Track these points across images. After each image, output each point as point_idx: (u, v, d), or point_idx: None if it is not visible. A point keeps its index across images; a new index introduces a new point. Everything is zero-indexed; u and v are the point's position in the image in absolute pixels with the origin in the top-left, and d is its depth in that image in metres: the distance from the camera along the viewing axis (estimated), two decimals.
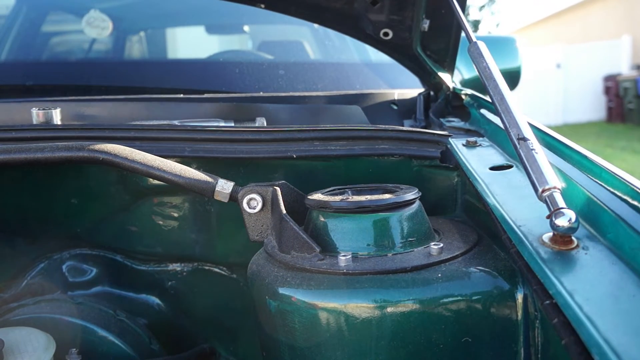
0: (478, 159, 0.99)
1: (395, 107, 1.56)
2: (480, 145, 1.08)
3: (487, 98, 1.24)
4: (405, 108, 1.56)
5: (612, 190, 0.74)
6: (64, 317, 1.06)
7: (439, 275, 0.74)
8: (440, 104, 1.51)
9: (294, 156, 1.06)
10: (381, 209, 0.82)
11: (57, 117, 1.16)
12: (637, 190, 0.70)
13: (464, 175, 0.99)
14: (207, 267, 1.27)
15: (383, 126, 1.12)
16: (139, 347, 1.10)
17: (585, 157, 0.85)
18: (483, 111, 1.27)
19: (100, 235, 1.24)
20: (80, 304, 1.12)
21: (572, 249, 0.66)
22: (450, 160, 1.06)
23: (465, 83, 2.38)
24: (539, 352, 0.72)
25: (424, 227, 0.85)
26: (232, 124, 1.34)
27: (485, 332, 0.74)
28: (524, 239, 0.70)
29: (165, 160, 0.95)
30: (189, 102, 1.40)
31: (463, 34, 1.19)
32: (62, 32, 2.47)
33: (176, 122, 1.27)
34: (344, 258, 0.77)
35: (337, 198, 0.85)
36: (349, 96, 1.56)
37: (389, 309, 0.71)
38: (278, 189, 0.91)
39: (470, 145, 1.07)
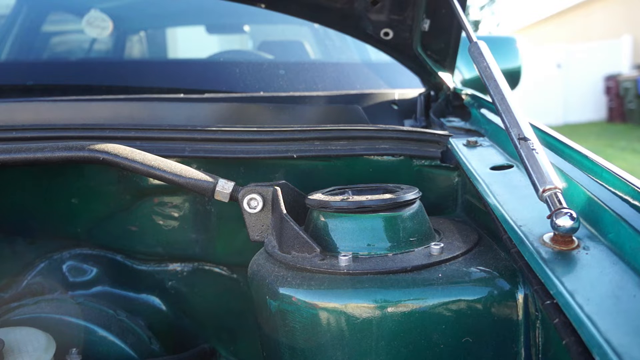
0: (479, 159, 0.99)
1: (395, 107, 1.56)
2: (480, 145, 1.08)
3: (488, 98, 1.24)
4: (406, 108, 1.56)
5: (613, 190, 0.74)
6: (64, 317, 1.06)
7: (440, 275, 0.74)
8: (441, 103, 1.51)
9: (295, 156, 1.06)
10: (382, 208, 0.81)
11: None
12: (638, 190, 0.70)
13: (465, 175, 0.99)
14: (207, 267, 1.27)
15: (383, 126, 1.12)
16: (139, 347, 1.10)
17: (586, 157, 0.85)
18: (483, 111, 1.27)
19: (101, 235, 1.24)
20: (81, 304, 1.12)
21: (573, 249, 0.66)
22: (450, 160, 1.06)
23: (466, 83, 2.37)
24: (539, 352, 0.72)
25: (425, 227, 0.85)
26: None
27: (486, 332, 0.74)
28: (524, 239, 0.70)
29: (165, 160, 0.94)
30: (189, 102, 1.40)
31: (463, 34, 1.19)
32: (63, 31, 2.47)
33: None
34: (344, 258, 0.77)
35: (338, 198, 0.85)
36: (350, 96, 1.56)
37: (390, 309, 0.71)
38: (278, 189, 0.91)
39: (470, 145, 1.07)
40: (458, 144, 1.07)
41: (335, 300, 0.73)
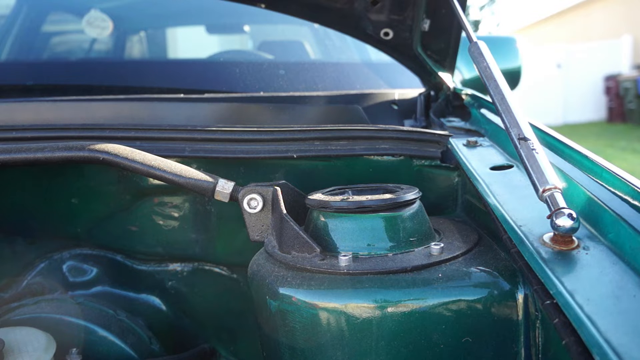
0: (479, 159, 0.99)
1: (395, 107, 1.56)
2: (480, 145, 1.08)
3: (488, 98, 1.24)
4: (406, 108, 1.56)
5: (612, 190, 0.74)
6: (64, 317, 1.06)
7: (440, 275, 0.74)
8: (441, 103, 1.51)
9: (295, 156, 1.06)
10: (382, 208, 0.81)
11: None
12: (638, 190, 0.70)
13: (465, 175, 0.99)
14: (207, 267, 1.27)
15: (383, 126, 1.12)
16: (139, 347, 1.10)
17: (585, 157, 0.85)
18: (483, 111, 1.27)
19: (101, 235, 1.24)
20: (81, 304, 1.12)
21: (573, 249, 0.66)
22: (450, 160, 1.06)
23: (466, 83, 2.37)
24: (539, 352, 0.72)
25: (425, 227, 0.85)
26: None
27: (486, 332, 0.74)
28: (524, 239, 0.70)
29: (165, 160, 0.94)
30: (189, 102, 1.40)
31: (463, 34, 1.19)
32: (63, 31, 2.47)
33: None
34: (344, 258, 0.77)
35: (338, 198, 0.85)
36: (350, 96, 1.56)
37: (390, 309, 0.71)
38: (278, 189, 0.91)
39: (470, 145, 1.07)
40: (458, 144, 1.07)
41: (335, 300, 0.73)
